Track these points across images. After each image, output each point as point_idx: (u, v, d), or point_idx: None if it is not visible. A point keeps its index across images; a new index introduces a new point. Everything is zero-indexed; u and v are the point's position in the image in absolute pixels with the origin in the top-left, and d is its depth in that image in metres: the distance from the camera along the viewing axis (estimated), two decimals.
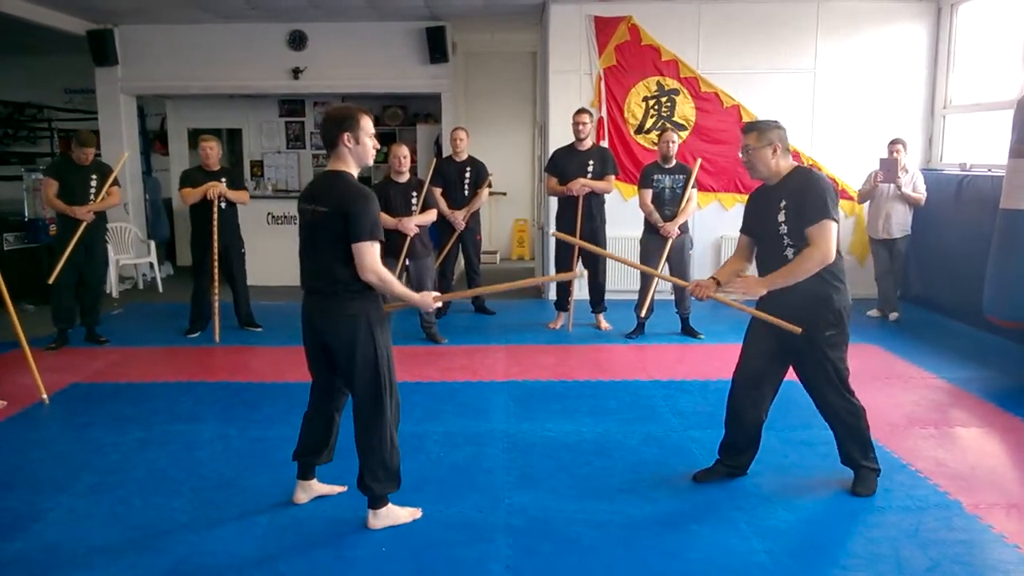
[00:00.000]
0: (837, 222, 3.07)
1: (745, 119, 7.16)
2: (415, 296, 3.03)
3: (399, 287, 2.98)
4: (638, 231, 6.04)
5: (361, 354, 2.89)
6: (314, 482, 3.26)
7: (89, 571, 2.78)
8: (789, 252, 3.12)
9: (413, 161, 7.64)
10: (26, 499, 3.33)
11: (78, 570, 2.79)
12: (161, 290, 8.26)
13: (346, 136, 2.87)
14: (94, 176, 5.73)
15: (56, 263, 5.53)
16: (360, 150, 2.90)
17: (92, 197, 5.70)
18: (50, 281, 5.53)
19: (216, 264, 5.95)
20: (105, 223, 6.03)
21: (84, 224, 5.59)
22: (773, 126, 3.17)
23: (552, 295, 6.72)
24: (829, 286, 3.13)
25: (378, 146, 3.00)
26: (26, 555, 2.89)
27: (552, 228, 6.37)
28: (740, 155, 3.23)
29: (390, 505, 3.06)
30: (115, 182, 5.84)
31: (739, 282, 3.18)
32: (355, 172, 2.94)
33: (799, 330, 3.08)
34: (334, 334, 2.90)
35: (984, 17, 6.82)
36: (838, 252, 3.16)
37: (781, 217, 3.11)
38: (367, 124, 2.91)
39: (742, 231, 3.41)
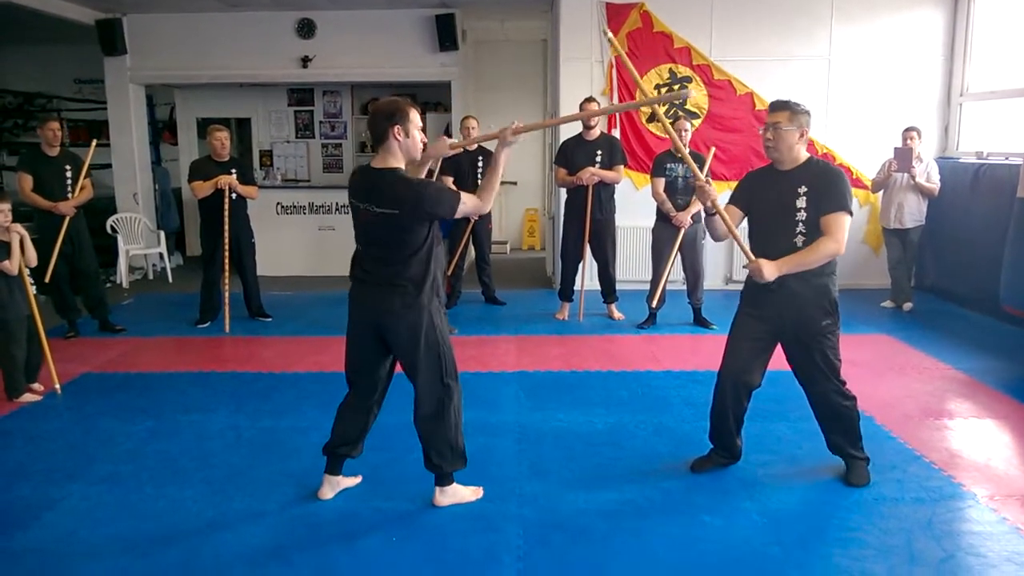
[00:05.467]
0: (852, 217, 3.07)
1: (759, 107, 7.09)
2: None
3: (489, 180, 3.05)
4: (650, 220, 6.00)
5: (425, 342, 2.94)
6: (341, 476, 3.26)
7: (101, 561, 2.79)
8: (799, 240, 3.09)
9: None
10: (39, 489, 3.35)
11: (90, 560, 2.80)
12: (171, 280, 8.28)
13: (396, 129, 2.83)
14: (68, 167, 5.65)
15: (47, 261, 5.38)
16: (410, 143, 2.88)
17: (69, 189, 5.62)
18: (46, 280, 5.44)
19: (226, 254, 5.95)
20: (83, 213, 5.86)
21: (67, 218, 5.55)
22: (803, 110, 3.09)
23: (558, 284, 6.68)
24: (827, 276, 3.15)
25: (426, 140, 2.98)
26: (40, 544, 2.90)
27: (562, 217, 6.32)
28: (762, 132, 3.13)
29: (455, 484, 3.15)
30: (87, 173, 5.75)
31: (752, 265, 3.10)
32: (404, 167, 2.91)
33: None
34: (397, 325, 2.93)
35: (1002, 3, 6.71)
36: None
37: (801, 203, 3.06)
38: (415, 117, 2.89)
39: (735, 204, 3.29)
